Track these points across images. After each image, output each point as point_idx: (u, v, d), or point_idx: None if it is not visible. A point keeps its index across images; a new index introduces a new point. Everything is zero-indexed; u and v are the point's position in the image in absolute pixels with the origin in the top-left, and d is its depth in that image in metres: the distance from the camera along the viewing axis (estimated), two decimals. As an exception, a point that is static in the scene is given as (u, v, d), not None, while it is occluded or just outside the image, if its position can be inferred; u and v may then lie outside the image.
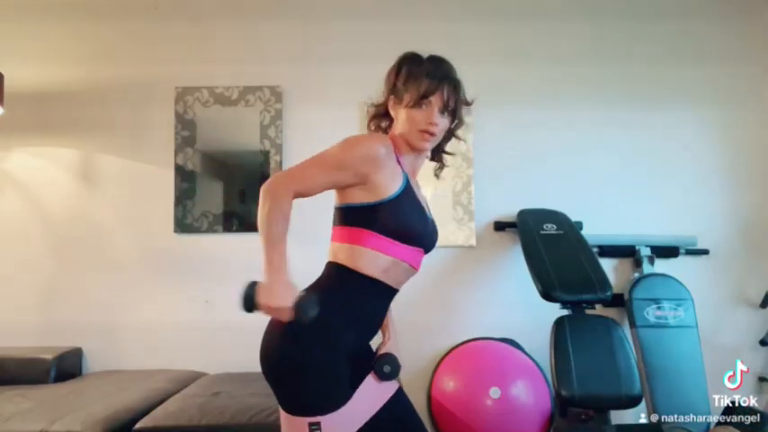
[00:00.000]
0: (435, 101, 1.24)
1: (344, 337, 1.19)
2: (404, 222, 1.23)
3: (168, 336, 2.74)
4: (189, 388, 2.31)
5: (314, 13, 2.90)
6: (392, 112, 1.32)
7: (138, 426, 1.89)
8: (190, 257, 2.81)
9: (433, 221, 1.36)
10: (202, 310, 2.76)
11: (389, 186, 1.21)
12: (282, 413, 1.18)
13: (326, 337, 1.15)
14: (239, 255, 2.80)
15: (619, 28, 2.93)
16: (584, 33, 2.92)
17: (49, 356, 2.51)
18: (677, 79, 2.92)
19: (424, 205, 1.33)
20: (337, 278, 1.24)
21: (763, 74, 2.94)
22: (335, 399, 1.14)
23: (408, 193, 1.25)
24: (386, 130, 1.38)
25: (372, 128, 1.40)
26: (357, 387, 1.19)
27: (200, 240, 2.82)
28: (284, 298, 1.06)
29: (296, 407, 1.14)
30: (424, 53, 1.31)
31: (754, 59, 2.94)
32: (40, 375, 2.46)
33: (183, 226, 2.80)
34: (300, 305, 1.07)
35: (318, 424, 1.10)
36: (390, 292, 1.29)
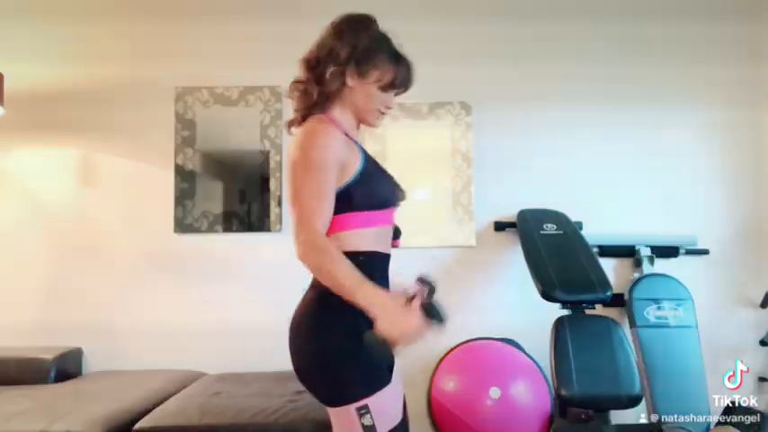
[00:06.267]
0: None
1: (366, 320, 1.09)
2: (378, 191, 1.25)
3: (168, 336, 2.73)
4: (189, 388, 2.31)
5: (314, 13, 2.89)
6: (349, 82, 1.25)
7: (137, 426, 1.89)
8: (190, 257, 2.81)
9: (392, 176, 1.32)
10: (202, 310, 2.76)
11: (354, 163, 1.19)
12: (331, 411, 1.16)
13: (352, 323, 1.08)
14: (239, 255, 2.81)
15: (619, 28, 2.93)
16: (584, 33, 2.92)
17: (48, 356, 2.51)
18: (678, 80, 2.91)
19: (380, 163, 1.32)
20: None
21: (763, 74, 2.94)
22: (377, 381, 1.14)
23: (369, 160, 1.24)
24: (316, 101, 1.27)
25: (298, 94, 1.32)
26: (392, 370, 1.19)
27: (201, 240, 2.82)
28: (409, 319, 1.04)
29: (340, 396, 1.13)
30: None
31: (753, 60, 2.94)
32: (39, 375, 2.46)
33: (183, 226, 2.80)
34: (432, 312, 1.05)
35: (366, 406, 1.10)
36: (386, 259, 1.30)
